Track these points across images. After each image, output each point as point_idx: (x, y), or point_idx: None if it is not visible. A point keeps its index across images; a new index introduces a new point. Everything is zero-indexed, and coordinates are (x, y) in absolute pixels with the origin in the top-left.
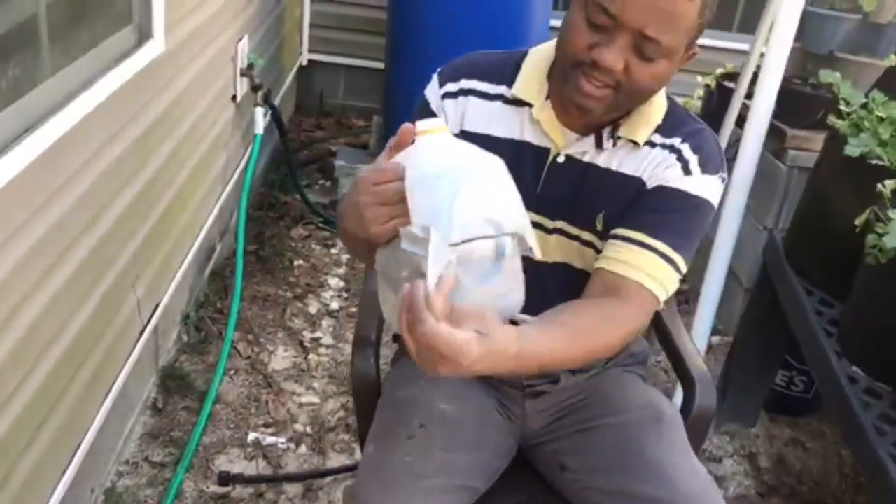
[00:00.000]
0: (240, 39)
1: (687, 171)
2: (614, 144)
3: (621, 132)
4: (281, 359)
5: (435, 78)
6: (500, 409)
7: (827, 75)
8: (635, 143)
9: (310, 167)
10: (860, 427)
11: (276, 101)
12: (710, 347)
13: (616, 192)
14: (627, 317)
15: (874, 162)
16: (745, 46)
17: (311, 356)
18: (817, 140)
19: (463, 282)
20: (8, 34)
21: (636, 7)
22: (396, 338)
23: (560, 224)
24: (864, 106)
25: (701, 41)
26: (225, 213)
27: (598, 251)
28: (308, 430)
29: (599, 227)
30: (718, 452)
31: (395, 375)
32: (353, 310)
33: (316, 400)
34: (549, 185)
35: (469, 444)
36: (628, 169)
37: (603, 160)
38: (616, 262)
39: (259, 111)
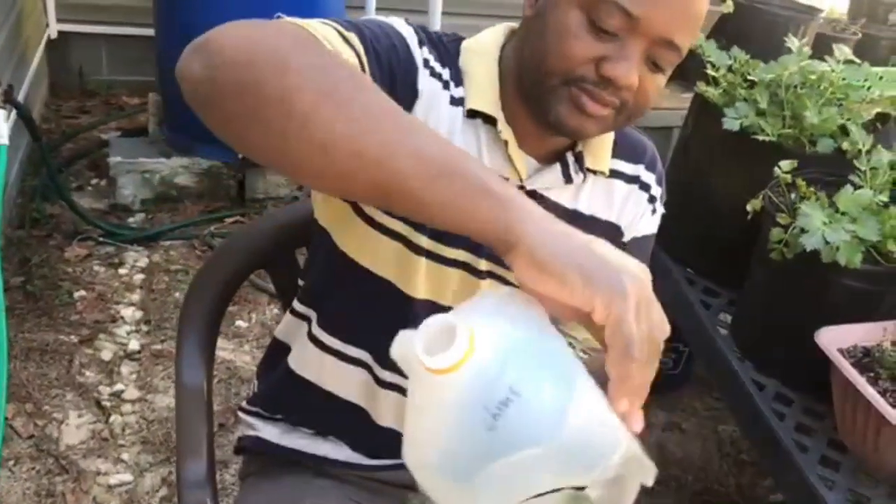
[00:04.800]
0: None
1: (654, 210)
2: (584, 179)
3: (588, 162)
4: (75, 429)
5: (408, 26)
6: None
7: None
8: (603, 173)
9: (78, 164)
10: (779, 445)
11: (23, 88)
12: None
13: None
14: None
15: (760, 138)
16: None
17: (113, 418)
18: (664, 95)
19: None
20: None
21: (667, 6)
22: (239, 450)
23: (500, 271)
24: (730, 69)
25: None
26: None
27: None
28: None
29: None
30: None
31: None
32: (158, 347)
33: (129, 477)
34: None
35: None
36: (600, 212)
37: (568, 199)
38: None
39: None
